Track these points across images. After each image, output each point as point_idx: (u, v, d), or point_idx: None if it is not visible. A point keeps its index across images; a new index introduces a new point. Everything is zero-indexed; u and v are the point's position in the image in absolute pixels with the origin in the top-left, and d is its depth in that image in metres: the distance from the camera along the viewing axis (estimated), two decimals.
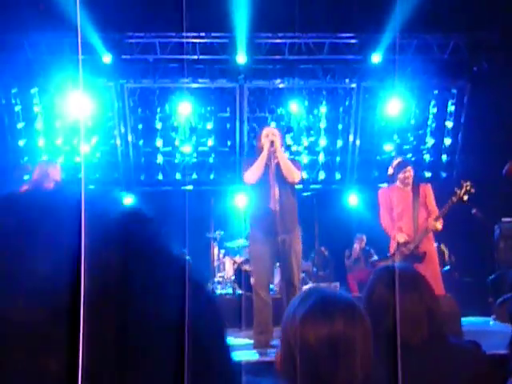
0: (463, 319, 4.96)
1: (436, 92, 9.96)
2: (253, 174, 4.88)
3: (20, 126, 9.44)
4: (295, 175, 4.91)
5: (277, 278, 6.74)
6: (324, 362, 1.14)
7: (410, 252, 5.33)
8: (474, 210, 6.76)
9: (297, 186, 5.12)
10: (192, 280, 0.42)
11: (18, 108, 9.37)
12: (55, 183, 5.58)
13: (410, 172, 5.56)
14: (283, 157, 4.95)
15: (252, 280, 4.91)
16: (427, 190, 5.63)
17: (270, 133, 5.01)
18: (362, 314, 1.22)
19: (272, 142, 4.86)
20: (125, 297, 0.38)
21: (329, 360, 1.14)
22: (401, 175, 5.54)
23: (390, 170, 5.68)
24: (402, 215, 5.51)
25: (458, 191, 5.26)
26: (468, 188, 5.23)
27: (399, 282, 1.58)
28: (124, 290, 0.38)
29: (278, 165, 4.86)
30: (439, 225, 5.33)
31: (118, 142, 9.79)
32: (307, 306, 1.20)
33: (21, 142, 9.49)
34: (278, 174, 4.82)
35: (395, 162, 5.69)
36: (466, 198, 5.24)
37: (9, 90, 9.16)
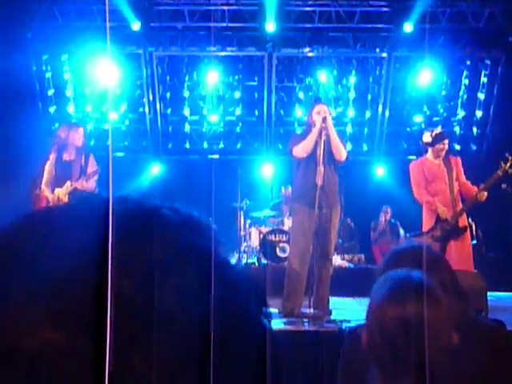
0: (490, 294, 4.95)
1: (469, 63, 9.71)
2: (304, 148, 4.97)
3: (50, 92, 9.56)
4: (343, 153, 5.03)
5: None
6: (400, 341, 1.26)
7: (451, 227, 5.30)
8: (503, 185, 6.65)
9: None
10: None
11: (48, 75, 9.46)
12: (77, 148, 5.66)
13: (446, 145, 5.53)
14: (335, 134, 5.02)
15: (288, 249, 5.05)
16: (459, 164, 5.59)
17: (322, 110, 5.06)
18: (435, 295, 1.31)
19: (324, 119, 4.92)
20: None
21: (404, 340, 1.25)
22: (438, 146, 5.49)
23: (429, 138, 5.59)
24: (437, 190, 5.46)
25: (503, 165, 5.20)
26: None
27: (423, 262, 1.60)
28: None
29: (326, 142, 4.93)
30: (484, 196, 5.29)
31: (147, 110, 9.85)
32: (384, 290, 1.32)
33: (51, 109, 9.62)
34: (326, 150, 4.91)
35: (435, 132, 5.64)
36: (511, 171, 5.20)
37: (40, 56, 9.24)
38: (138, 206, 0.46)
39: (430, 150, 5.58)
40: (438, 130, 5.82)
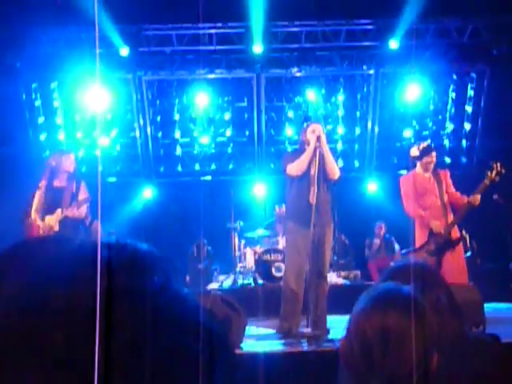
0: (488, 306, 4.94)
1: (455, 77, 9.84)
2: (297, 167, 5.01)
3: (40, 120, 9.56)
4: (336, 172, 5.06)
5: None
6: (376, 350, 1.26)
7: (444, 240, 5.31)
8: (495, 196, 6.68)
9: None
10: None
11: (38, 103, 9.48)
12: (68, 175, 5.65)
13: (434, 158, 5.56)
14: (329, 153, 5.06)
15: (283, 268, 5.07)
16: (447, 176, 5.63)
17: (316, 129, 5.09)
18: (421, 311, 1.30)
19: (318, 138, 4.97)
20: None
21: (380, 349, 1.25)
22: (426, 159, 5.52)
23: (416, 152, 5.62)
24: (428, 203, 5.47)
25: (490, 173, 5.23)
26: (499, 169, 5.21)
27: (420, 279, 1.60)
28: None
29: (320, 160, 4.97)
30: (478, 200, 5.29)
31: (138, 134, 9.87)
32: (367, 300, 1.33)
33: (42, 137, 9.61)
34: (319, 169, 4.94)
35: (422, 146, 5.66)
36: (497, 178, 5.23)
37: (29, 85, 9.26)
38: (78, 249, 0.44)
39: (418, 163, 5.61)
40: (425, 143, 5.85)
